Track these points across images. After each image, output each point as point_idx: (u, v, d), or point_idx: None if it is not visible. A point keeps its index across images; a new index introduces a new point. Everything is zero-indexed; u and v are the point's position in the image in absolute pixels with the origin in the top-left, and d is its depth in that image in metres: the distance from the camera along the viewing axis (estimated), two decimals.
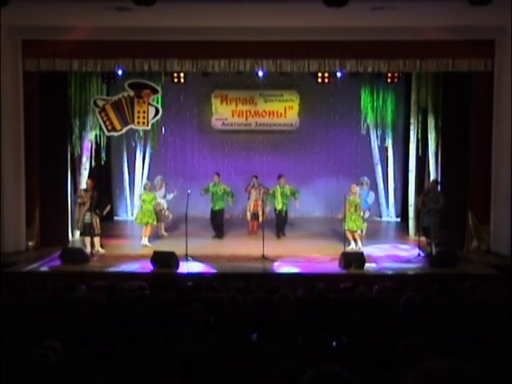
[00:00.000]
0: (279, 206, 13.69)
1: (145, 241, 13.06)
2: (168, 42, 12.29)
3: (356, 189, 12.75)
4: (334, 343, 5.40)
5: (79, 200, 12.50)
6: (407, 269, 11.29)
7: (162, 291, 8.12)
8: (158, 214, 13.30)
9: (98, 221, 12.32)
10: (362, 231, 12.79)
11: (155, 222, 13.25)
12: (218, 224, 13.85)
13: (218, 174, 14.01)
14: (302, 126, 16.19)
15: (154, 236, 13.69)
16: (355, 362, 4.31)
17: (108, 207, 12.68)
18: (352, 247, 12.40)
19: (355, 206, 12.49)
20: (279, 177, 13.92)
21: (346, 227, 12.41)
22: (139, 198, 13.66)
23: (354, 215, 12.43)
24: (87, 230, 12.24)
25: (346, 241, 12.17)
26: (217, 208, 13.80)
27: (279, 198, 13.66)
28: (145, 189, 13.48)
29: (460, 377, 2.03)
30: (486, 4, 9.33)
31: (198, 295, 7.72)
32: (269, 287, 8.16)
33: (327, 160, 16.43)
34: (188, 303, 6.56)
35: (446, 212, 12.23)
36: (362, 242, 12.54)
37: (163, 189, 14.23)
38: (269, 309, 6.65)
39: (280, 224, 13.87)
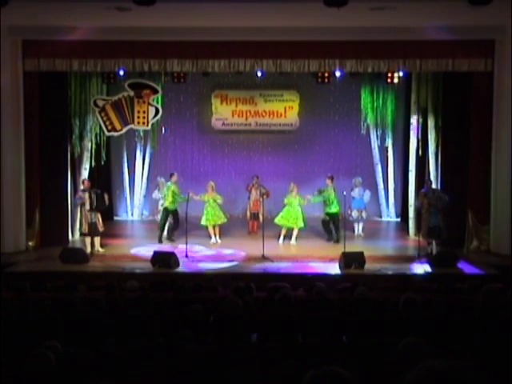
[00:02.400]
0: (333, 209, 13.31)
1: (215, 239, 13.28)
2: (168, 42, 12.29)
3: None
4: (335, 343, 5.40)
5: (79, 201, 12.51)
6: (407, 269, 11.28)
7: (161, 291, 8.12)
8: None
9: (100, 219, 12.33)
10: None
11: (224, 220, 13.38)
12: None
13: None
14: (302, 126, 16.19)
15: (150, 237, 13.68)
16: (355, 361, 4.32)
17: (107, 197, 12.56)
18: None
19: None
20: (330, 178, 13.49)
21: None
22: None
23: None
24: (92, 230, 12.24)
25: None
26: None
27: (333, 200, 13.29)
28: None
29: (460, 377, 2.03)
30: (486, 4, 9.34)
31: (197, 295, 7.73)
32: (269, 287, 8.16)
33: (327, 160, 16.42)
34: (188, 303, 6.56)
35: (447, 210, 12.23)
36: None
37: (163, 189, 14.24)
38: (269, 309, 6.65)
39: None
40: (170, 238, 13.44)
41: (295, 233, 13.25)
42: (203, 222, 13.36)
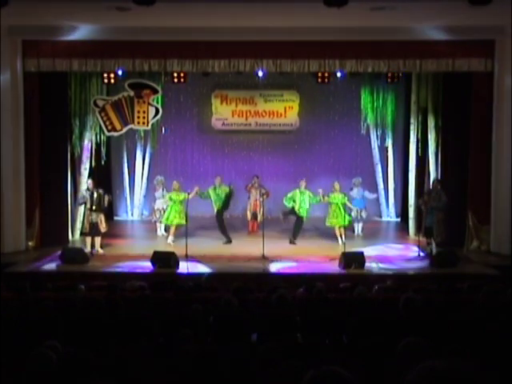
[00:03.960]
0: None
1: (170, 239, 13.12)
2: (168, 42, 12.29)
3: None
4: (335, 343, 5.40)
5: (81, 201, 12.49)
6: (407, 269, 11.29)
7: (161, 291, 8.12)
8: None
9: (102, 218, 12.33)
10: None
11: (184, 222, 13.05)
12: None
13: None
14: (302, 125, 16.20)
15: (150, 237, 13.67)
16: (355, 361, 4.32)
17: (107, 197, 12.50)
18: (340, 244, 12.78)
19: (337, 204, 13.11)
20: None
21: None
22: (168, 198, 13.45)
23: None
24: (93, 230, 12.24)
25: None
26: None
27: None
28: (174, 189, 13.35)
29: (460, 377, 2.03)
30: (486, 4, 9.33)
31: (197, 295, 7.73)
32: (268, 287, 8.16)
33: (327, 160, 16.43)
34: (188, 303, 6.56)
35: (447, 211, 12.24)
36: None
37: (162, 189, 14.24)
38: (268, 309, 6.65)
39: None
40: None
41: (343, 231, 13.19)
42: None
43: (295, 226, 13.35)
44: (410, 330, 5.04)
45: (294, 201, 13.28)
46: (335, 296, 7.69)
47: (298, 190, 13.30)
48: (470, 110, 12.55)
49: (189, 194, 12.83)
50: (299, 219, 13.30)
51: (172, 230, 13.22)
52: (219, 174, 14.07)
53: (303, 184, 13.35)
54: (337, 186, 13.34)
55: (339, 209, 13.12)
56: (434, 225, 12.06)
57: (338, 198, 13.16)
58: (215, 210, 13.50)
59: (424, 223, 12.20)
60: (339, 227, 13.14)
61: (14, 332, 5.56)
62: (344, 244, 12.28)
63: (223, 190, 13.51)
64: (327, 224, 13.33)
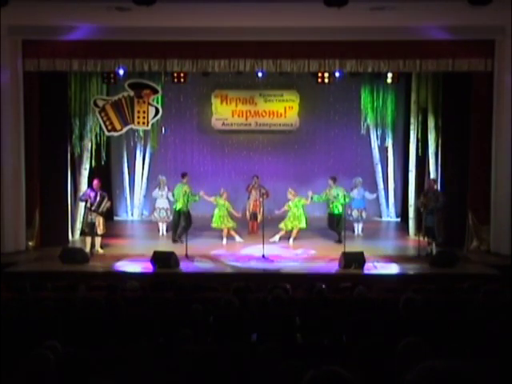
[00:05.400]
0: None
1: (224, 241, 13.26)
2: (168, 42, 12.28)
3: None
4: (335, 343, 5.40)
5: (83, 198, 12.46)
6: (407, 269, 11.28)
7: (161, 291, 8.12)
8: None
9: (101, 221, 12.31)
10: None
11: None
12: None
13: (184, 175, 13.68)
14: (302, 125, 16.19)
15: (150, 237, 13.68)
16: (355, 362, 4.31)
17: (107, 203, 12.54)
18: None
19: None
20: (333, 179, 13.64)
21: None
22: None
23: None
24: (91, 230, 12.23)
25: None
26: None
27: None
28: (221, 195, 13.35)
29: (460, 377, 2.03)
30: (486, 4, 9.33)
31: (197, 295, 7.73)
32: (268, 287, 8.16)
33: (327, 160, 16.42)
34: (188, 303, 6.57)
35: (447, 211, 12.24)
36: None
37: (159, 189, 14.24)
38: (268, 309, 6.65)
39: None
40: (180, 239, 13.11)
41: (294, 233, 13.27)
42: (214, 224, 13.38)
43: (336, 225, 13.35)
44: (409, 330, 5.04)
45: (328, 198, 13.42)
46: (335, 296, 7.69)
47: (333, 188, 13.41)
48: (470, 110, 12.55)
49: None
50: (335, 218, 13.37)
51: (224, 232, 13.29)
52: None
53: (332, 182, 13.54)
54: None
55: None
56: (434, 225, 12.06)
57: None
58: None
59: (424, 223, 12.19)
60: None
61: (13, 332, 5.56)
62: (339, 241, 12.56)
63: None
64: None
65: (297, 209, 13.28)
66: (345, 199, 13.32)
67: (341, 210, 13.17)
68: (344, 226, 12.86)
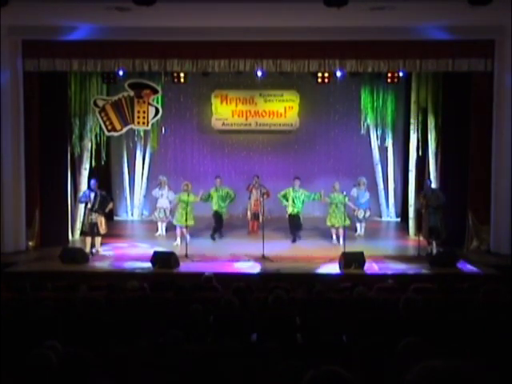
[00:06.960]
0: (292, 210, 13.32)
1: (177, 240, 13.11)
2: (168, 42, 12.29)
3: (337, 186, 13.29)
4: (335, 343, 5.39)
5: (84, 199, 12.47)
6: (407, 269, 11.28)
7: (161, 291, 8.12)
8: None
9: (102, 221, 12.31)
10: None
11: (192, 223, 13.12)
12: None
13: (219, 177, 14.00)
14: (302, 125, 16.19)
15: (150, 237, 13.65)
16: (355, 361, 4.31)
17: (111, 204, 12.62)
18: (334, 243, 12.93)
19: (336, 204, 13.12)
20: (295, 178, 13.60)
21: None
22: (177, 199, 13.45)
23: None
24: (92, 230, 12.23)
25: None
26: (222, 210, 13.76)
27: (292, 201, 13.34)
28: (185, 190, 13.23)
29: (460, 377, 2.03)
30: (486, 4, 9.32)
31: (197, 295, 7.72)
32: (269, 287, 8.16)
33: (327, 160, 16.43)
34: (187, 303, 6.56)
35: (447, 210, 12.24)
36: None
37: (159, 189, 14.24)
38: (268, 309, 6.65)
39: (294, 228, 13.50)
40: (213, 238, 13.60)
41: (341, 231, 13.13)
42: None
43: (292, 226, 13.34)
44: (409, 330, 5.04)
45: (287, 199, 13.31)
46: (335, 296, 7.69)
47: (291, 189, 13.33)
48: (470, 109, 12.55)
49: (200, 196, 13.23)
50: (293, 218, 13.29)
51: (178, 230, 13.20)
52: (219, 176, 14.04)
53: (297, 183, 13.38)
54: (337, 186, 13.32)
55: (338, 209, 13.09)
56: (438, 224, 12.04)
57: (338, 197, 13.13)
58: (213, 210, 13.66)
59: (428, 223, 12.14)
60: (338, 227, 13.11)
61: (13, 332, 5.56)
62: (343, 244, 12.28)
63: (225, 191, 13.72)
64: (328, 224, 13.31)
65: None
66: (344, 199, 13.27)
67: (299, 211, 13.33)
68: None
